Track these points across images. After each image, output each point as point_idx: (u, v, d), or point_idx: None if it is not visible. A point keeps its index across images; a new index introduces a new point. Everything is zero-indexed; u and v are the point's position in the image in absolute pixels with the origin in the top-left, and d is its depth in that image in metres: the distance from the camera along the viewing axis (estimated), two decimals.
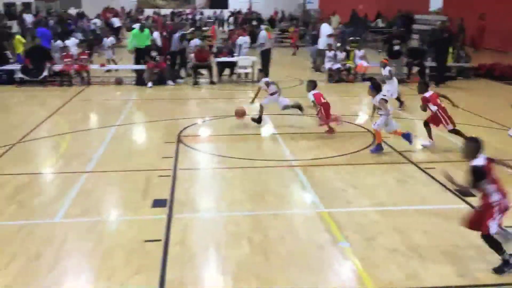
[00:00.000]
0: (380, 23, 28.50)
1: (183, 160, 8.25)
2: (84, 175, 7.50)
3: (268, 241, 5.45)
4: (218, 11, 38.34)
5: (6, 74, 15.02)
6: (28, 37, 20.19)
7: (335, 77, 15.94)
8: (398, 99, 11.93)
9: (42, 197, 6.71)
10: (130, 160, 8.28)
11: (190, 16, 33.82)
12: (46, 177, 7.73)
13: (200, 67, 15.80)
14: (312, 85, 9.76)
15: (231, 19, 34.41)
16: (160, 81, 15.04)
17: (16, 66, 15.12)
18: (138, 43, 15.34)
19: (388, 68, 11.85)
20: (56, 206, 6.34)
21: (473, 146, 4.81)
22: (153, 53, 15.01)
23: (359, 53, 16.53)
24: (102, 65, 16.47)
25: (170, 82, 15.18)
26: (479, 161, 4.73)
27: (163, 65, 15.16)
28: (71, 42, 16.68)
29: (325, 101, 9.51)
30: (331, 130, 9.56)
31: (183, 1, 41.07)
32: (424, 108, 8.77)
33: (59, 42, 16.54)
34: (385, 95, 8.74)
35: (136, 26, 16.18)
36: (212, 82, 15.44)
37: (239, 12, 36.47)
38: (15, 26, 23.91)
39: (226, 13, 38.18)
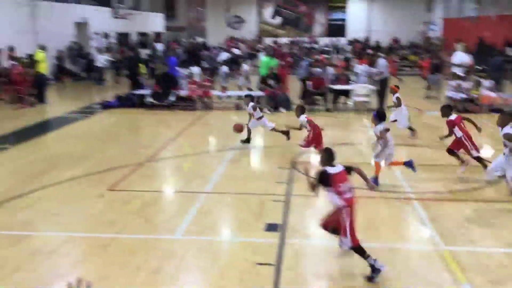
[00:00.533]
0: (509, 52, 26.60)
1: (296, 186, 8.32)
2: (203, 195, 7.88)
3: (382, 275, 5.26)
4: (335, 39, 38.53)
5: (138, 98, 16.39)
6: (158, 64, 21.94)
7: (459, 107, 15.12)
8: (410, 128, 11.57)
9: (165, 213, 7.16)
10: (245, 183, 8.53)
11: (307, 45, 34.34)
12: (169, 195, 8.24)
13: (316, 94, 15.94)
14: (301, 110, 10.01)
15: (349, 47, 34.36)
16: (275, 107, 15.42)
17: (147, 91, 16.42)
18: (266, 70, 16.08)
19: (396, 95, 11.58)
20: (177, 223, 6.71)
21: (325, 155, 5.40)
22: (270, 81, 15.46)
23: (486, 83, 15.56)
24: (223, 91, 17.27)
25: (282, 109, 15.49)
26: (332, 169, 5.29)
27: (278, 93, 15.54)
28: (196, 70, 17.76)
29: (315, 124, 9.77)
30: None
31: (302, 30, 41.87)
32: (450, 133, 8.68)
33: (185, 70, 17.73)
34: (387, 127, 8.19)
35: (263, 55, 16.89)
36: (328, 110, 15.46)
37: (357, 40, 36.30)
38: (144, 54, 26.06)
39: (343, 41, 38.23)
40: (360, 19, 40.42)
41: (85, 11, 26.73)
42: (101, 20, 27.88)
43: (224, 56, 24.75)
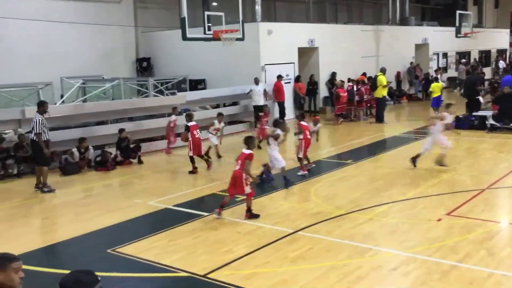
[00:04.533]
0: None
1: None
2: None
3: None
4: None
5: (478, 120, 15.45)
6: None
7: None
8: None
9: (510, 248, 6.48)
10: None
11: None
12: None
13: None
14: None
15: None
16: None
17: (488, 113, 15.33)
18: None
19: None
20: None
21: None
22: None
23: None
24: None
25: None
26: None
27: None
28: None
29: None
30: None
31: None
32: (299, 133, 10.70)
33: None
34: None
35: None
36: None
37: None
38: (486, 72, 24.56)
39: None
40: None
41: (425, 32, 27.03)
42: (441, 40, 27.66)
43: None
